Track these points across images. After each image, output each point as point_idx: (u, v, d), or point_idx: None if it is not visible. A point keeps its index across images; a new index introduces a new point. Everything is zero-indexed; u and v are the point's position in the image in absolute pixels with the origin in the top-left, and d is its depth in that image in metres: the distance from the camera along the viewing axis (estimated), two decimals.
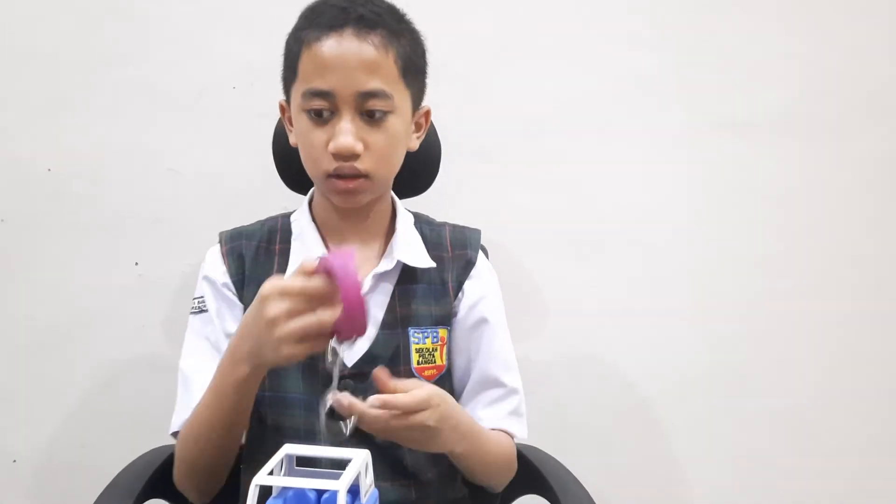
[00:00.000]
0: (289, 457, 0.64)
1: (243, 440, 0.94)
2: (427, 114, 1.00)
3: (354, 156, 0.87)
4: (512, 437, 1.00)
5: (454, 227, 1.06)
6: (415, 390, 0.77)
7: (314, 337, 0.72)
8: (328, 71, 0.86)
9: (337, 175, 0.89)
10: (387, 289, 0.97)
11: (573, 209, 1.46)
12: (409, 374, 0.94)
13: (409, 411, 0.76)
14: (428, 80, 0.98)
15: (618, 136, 1.46)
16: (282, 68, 0.95)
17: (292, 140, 0.97)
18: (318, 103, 0.87)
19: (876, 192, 1.52)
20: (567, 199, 1.46)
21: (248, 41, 1.37)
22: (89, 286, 1.38)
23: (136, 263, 1.39)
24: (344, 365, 0.93)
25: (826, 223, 1.51)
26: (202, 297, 0.96)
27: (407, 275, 0.97)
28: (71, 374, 1.40)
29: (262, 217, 1.03)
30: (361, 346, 0.93)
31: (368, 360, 0.92)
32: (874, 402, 1.54)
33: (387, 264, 0.96)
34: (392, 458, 0.91)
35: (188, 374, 0.93)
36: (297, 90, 0.90)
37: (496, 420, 0.97)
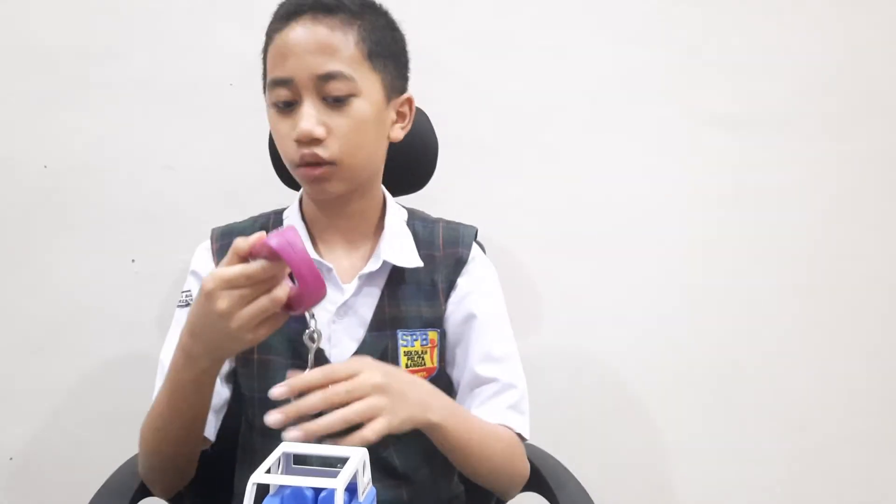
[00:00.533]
0: (286, 455, 0.63)
1: (212, 436, 0.91)
2: (409, 101, 0.96)
3: (316, 141, 0.85)
4: (515, 433, 0.93)
5: (448, 224, 1.02)
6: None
7: (272, 317, 0.70)
8: (286, 58, 0.85)
9: (305, 164, 0.87)
10: (374, 290, 0.95)
11: (569, 205, 1.46)
12: None
13: (343, 376, 0.71)
14: (415, 74, 0.94)
15: (614, 132, 1.46)
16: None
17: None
18: (280, 93, 0.86)
19: (873, 190, 1.52)
20: (563, 196, 1.45)
21: (245, 37, 1.35)
22: (84, 283, 1.38)
23: (133, 260, 1.38)
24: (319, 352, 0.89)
25: (822, 220, 1.51)
26: (189, 290, 0.96)
27: (396, 275, 0.95)
28: (66, 371, 1.40)
29: (257, 214, 1.02)
30: (348, 347, 0.92)
31: None
32: (869, 398, 1.54)
33: (373, 264, 0.94)
34: (381, 458, 0.90)
35: (167, 365, 0.89)
36: (266, 86, 0.89)
37: (493, 415, 0.92)
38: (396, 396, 0.74)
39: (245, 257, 0.69)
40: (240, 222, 1.01)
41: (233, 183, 1.38)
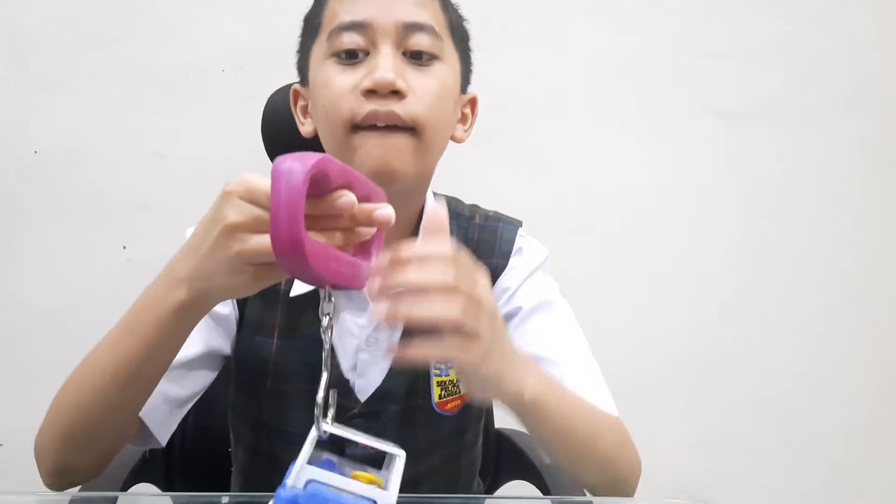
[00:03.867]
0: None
1: (163, 438, 0.76)
2: (473, 102, 0.82)
3: (395, 94, 0.68)
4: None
5: (486, 220, 0.87)
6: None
7: (274, 267, 0.54)
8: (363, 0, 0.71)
9: (369, 125, 0.69)
10: None
11: (565, 194, 1.46)
12: (429, 410, 0.80)
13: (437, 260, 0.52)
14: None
15: (609, 121, 1.46)
16: (297, 48, 0.80)
17: (305, 130, 0.79)
18: (350, 39, 0.70)
19: (862, 180, 1.53)
20: (559, 184, 1.45)
21: (237, 22, 1.35)
22: (76, 270, 1.37)
23: (124, 247, 1.37)
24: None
25: (812, 210, 1.52)
26: None
27: None
28: (57, 358, 1.38)
29: None
30: (374, 379, 0.80)
31: (381, 396, 0.79)
32: (857, 389, 1.56)
33: None
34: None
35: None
36: (321, 41, 0.73)
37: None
38: (493, 339, 0.56)
39: None
40: None
41: (224, 170, 1.36)
